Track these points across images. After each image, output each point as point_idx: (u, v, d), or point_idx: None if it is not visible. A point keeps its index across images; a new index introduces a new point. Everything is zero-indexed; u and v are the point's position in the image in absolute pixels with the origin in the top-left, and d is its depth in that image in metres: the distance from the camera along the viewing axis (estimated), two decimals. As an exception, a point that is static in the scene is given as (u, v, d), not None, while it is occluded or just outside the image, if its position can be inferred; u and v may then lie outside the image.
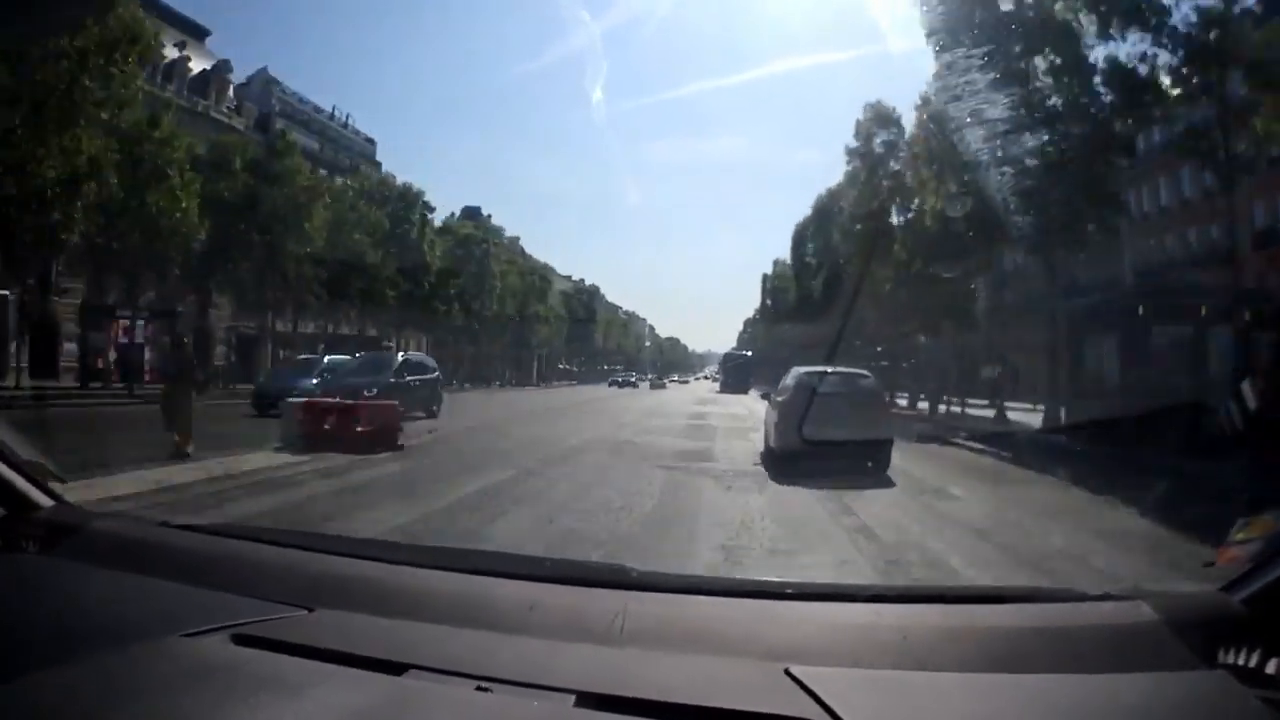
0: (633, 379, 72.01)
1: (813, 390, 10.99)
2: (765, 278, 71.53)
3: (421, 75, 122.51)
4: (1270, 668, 1.19)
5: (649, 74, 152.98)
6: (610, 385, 65.17)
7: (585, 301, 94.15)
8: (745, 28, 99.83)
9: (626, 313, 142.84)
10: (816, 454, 10.06)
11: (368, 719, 1.14)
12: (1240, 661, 1.23)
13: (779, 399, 12.19)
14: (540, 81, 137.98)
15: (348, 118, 60.83)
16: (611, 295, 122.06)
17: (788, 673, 1.22)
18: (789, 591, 1.67)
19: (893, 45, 52.56)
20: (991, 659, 1.31)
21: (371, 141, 64.35)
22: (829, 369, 12.43)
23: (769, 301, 69.05)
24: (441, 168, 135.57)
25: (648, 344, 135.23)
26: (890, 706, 1.19)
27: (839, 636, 1.42)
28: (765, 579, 1.84)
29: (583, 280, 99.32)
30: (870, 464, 10.17)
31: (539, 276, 70.81)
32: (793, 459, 10.39)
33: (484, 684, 1.20)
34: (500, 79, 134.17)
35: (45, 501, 1.92)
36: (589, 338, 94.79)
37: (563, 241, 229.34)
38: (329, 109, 58.31)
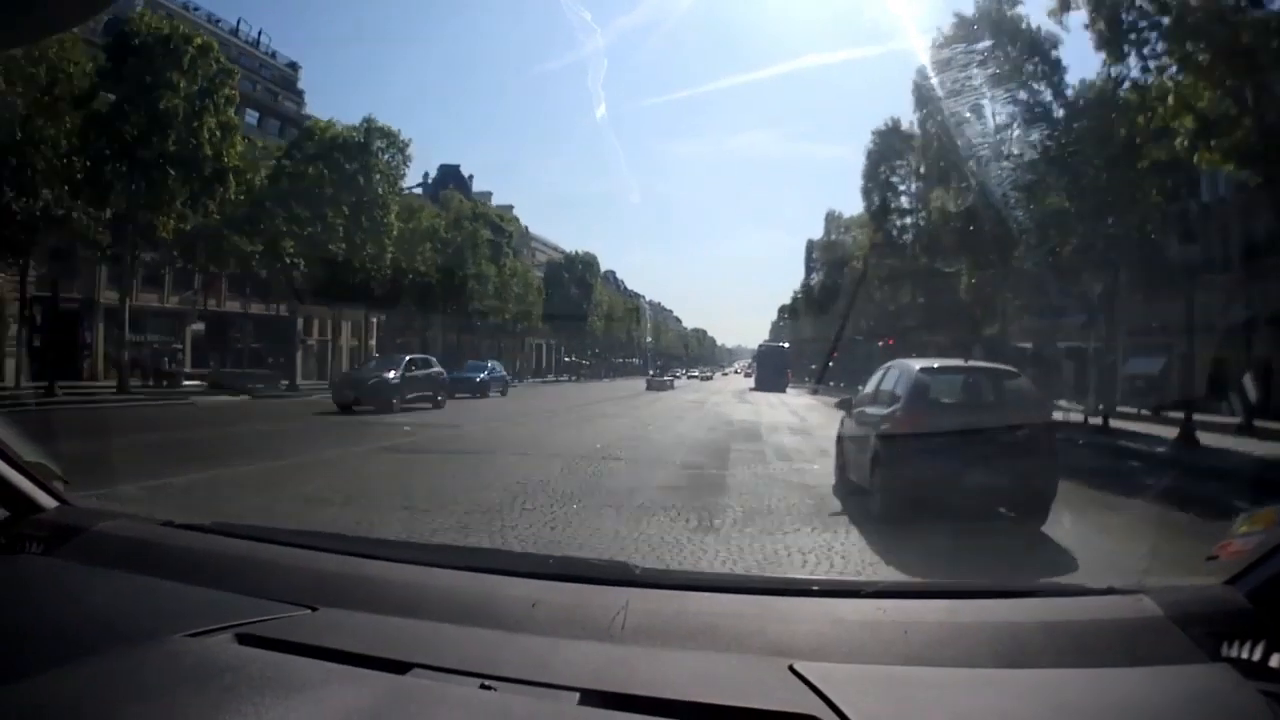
0: (482, 376, 31.49)
1: (937, 398, 7.51)
2: (810, 244, 54.15)
3: (433, 74, 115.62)
4: (1274, 661, 1.19)
5: (669, 72, 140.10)
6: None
7: (579, 275, 67.12)
8: (777, 20, 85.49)
9: (653, 302, 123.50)
10: (941, 499, 6.59)
11: (372, 718, 1.15)
12: (1243, 655, 1.24)
13: (871, 410, 8.15)
14: (558, 82, 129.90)
15: (259, 34, 45.38)
16: (636, 289, 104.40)
17: (792, 669, 1.23)
18: (792, 588, 1.70)
19: (913, 41, 40.49)
20: (995, 654, 1.32)
21: (293, 66, 49.36)
22: (956, 363, 8.75)
23: (814, 275, 51.69)
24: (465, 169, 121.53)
25: (648, 338, 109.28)
26: (895, 702, 1.19)
27: (843, 632, 1.42)
28: (768, 575, 1.84)
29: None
30: (1016, 512, 6.95)
31: (485, 222, 45.38)
32: (899, 507, 6.79)
33: (488, 682, 1.21)
34: (519, 78, 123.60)
35: (49, 503, 1.93)
36: (585, 323, 70.38)
37: (590, 239, 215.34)
38: (233, 21, 43.62)
